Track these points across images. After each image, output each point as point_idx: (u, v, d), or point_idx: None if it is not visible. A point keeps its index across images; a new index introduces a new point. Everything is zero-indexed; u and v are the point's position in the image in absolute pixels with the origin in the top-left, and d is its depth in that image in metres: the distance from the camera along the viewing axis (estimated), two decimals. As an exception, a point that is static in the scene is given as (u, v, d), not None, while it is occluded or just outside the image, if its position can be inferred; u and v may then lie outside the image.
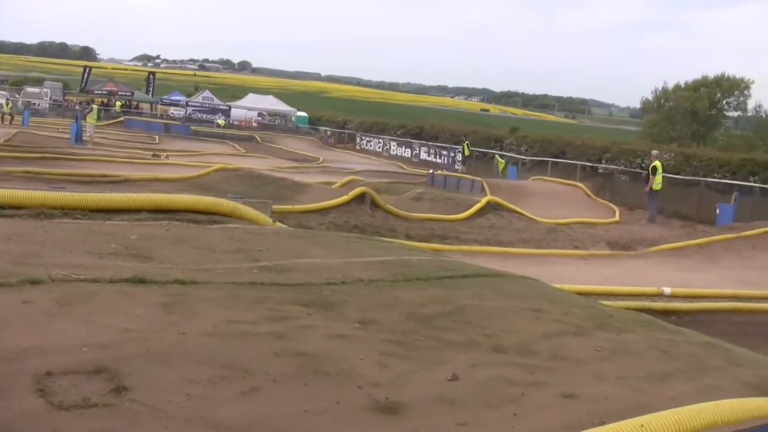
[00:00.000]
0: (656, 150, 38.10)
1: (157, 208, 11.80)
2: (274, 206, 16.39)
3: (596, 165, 44.06)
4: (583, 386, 5.82)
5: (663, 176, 32.81)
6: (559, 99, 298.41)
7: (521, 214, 27.77)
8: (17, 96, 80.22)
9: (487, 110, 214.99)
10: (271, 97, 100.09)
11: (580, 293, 12.50)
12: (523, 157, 50.90)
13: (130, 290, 6.85)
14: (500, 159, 49.78)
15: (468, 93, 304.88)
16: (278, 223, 13.61)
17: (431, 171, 43.55)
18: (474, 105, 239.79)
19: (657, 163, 32.98)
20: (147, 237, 9.68)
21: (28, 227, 9.62)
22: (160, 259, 8.43)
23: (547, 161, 47.43)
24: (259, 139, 68.51)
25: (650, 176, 32.64)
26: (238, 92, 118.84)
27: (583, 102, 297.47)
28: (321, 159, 53.77)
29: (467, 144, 55.00)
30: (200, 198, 12.67)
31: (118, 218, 11.11)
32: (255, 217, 12.63)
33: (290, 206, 20.76)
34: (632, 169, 40.91)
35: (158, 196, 12.45)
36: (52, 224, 10.13)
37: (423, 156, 62.24)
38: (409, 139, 67.84)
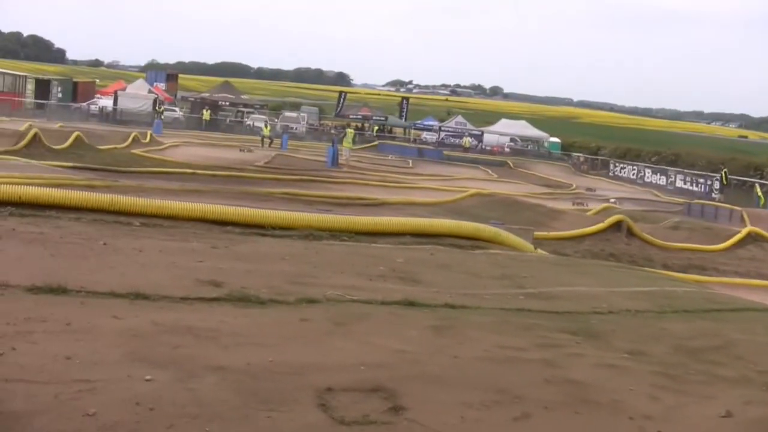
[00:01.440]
0: None
1: (421, 232, 12.01)
2: (532, 232, 16.39)
3: None
4: None
5: None
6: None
7: (785, 246, 26.63)
8: (276, 120, 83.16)
9: (746, 137, 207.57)
10: (523, 122, 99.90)
11: None
12: (786, 187, 48.87)
13: (401, 312, 7.03)
14: (759, 189, 47.91)
15: (725, 119, 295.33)
16: (539, 250, 13.62)
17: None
18: (731, 131, 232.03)
19: None
20: (413, 261, 9.89)
21: (299, 248, 10.02)
22: (427, 282, 8.60)
23: (813, 191, 45.35)
24: (511, 164, 68.48)
25: None
26: (490, 117, 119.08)
27: None
28: (574, 185, 53.24)
29: (725, 172, 53.30)
30: (462, 223, 12.84)
31: (383, 241, 11.38)
32: (517, 243, 12.68)
33: (546, 233, 20.70)
34: None
35: (422, 220, 12.72)
36: (322, 245, 10.51)
37: (678, 184, 60.63)
38: (664, 167, 66.28)
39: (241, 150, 50.24)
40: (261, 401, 4.80)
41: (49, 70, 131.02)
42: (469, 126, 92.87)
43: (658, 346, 7.03)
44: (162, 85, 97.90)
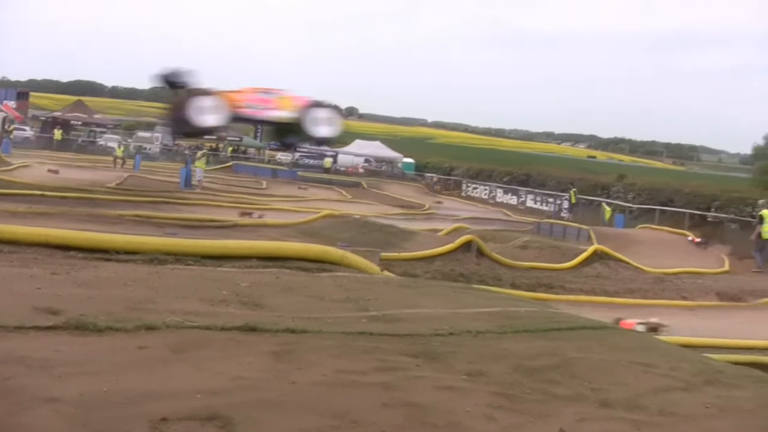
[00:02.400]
0: (763, 199, 37.45)
1: (268, 255, 11.99)
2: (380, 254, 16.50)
3: (705, 213, 43.31)
4: (693, 443, 5.76)
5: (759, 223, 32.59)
6: (667, 145, 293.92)
7: (628, 263, 27.44)
8: (129, 140, 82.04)
9: (594, 157, 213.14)
10: (378, 143, 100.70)
11: (689, 346, 12.34)
12: (631, 205, 50.31)
13: (241, 338, 7.00)
14: (607, 207, 49.30)
15: (575, 139, 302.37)
16: (386, 272, 13.71)
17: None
18: (581, 151, 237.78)
19: (765, 212, 32.61)
20: (258, 284, 9.85)
21: (142, 273, 9.88)
22: (270, 306, 8.57)
23: (655, 209, 46.77)
24: (365, 185, 68.82)
25: (758, 225, 32.30)
26: (344, 138, 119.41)
27: (693, 148, 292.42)
28: (427, 206, 53.79)
29: (574, 191, 54.69)
30: (310, 246, 12.86)
31: (229, 265, 11.32)
32: (364, 265, 12.75)
33: (396, 254, 20.86)
34: (742, 218, 40.05)
35: (269, 243, 12.70)
36: (166, 270, 10.38)
37: (529, 203, 61.96)
38: (515, 186, 67.61)
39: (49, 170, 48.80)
40: (93, 432, 4.72)
41: None
42: (324, 146, 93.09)
43: (498, 366, 7.15)
44: (12, 103, 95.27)
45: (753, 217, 37.68)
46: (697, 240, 35.85)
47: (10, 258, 10.20)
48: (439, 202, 51.75)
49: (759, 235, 32.07)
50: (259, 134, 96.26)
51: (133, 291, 8.53)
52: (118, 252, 11.16)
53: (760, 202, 35.80)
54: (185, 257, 11.49)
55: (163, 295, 8.49)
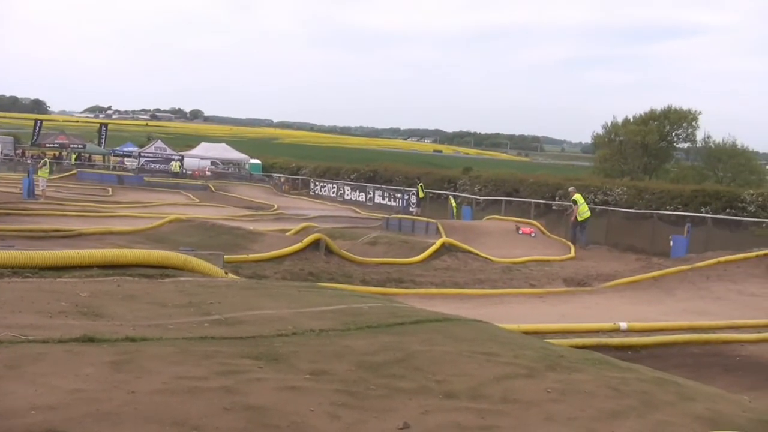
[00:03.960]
0: (572, 186, 39.16)
1: (109, 264, 11.75)
2: (228, 256, 16.38)
3: (550, 202, 44.33)
4: (534, 428, 5.85)
5: (588, 206, 34.59)
6: (511, 137, 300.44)
7: (476, 254, 27.89)
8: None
9: (440, 151, 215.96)
10: (223, 145, 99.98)
11: (535, 333, 12.58)
12: (477, 196, 51.09)
13: (79, 350, 6.81)
14: (453, 200, 49.98)
15: (421, 134, 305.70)
16: (230, 275, 13.58)
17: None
18: (427, 146, 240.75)
19: (577, 196, 34.64)
20: (98, 294, 9.64)
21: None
22: (110, 316, 8.39)
23: (501, 200, 47.66)
24: (213, 187, 68.29)
25: (573, 208, 34.22)
26: (190, 141, 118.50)
27: (536, 139, 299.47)
28: (276, 206, 53.61)
29: (421, 186, 55.26)
30: (151, 252, 12.64)
31: (68, 275, 11.05)
32: (207, 269, 12.60)
33: (244, 256, 20.73)
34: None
35: (109, 251, 12.42)
36: (1, 284, 10.06)
37: (377, 200, 62.33)
38: (363, 183, 67.90)
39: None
40: None
41: None
42: (169, 150, 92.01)
43: (341, 364, 7.14)
44: None
45: (595, 203, 39.07)
46: (526, 230, 36.60)
47: None
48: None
49: (576, 218, 34.04)
50: (103, 140, 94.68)
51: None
52: (-52, 269, 10.78)
53: (570, 188, 37.54)
54: (22, 270, 11.16)
55: (3, 308, 8.22)
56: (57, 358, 6.53)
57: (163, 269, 11.98)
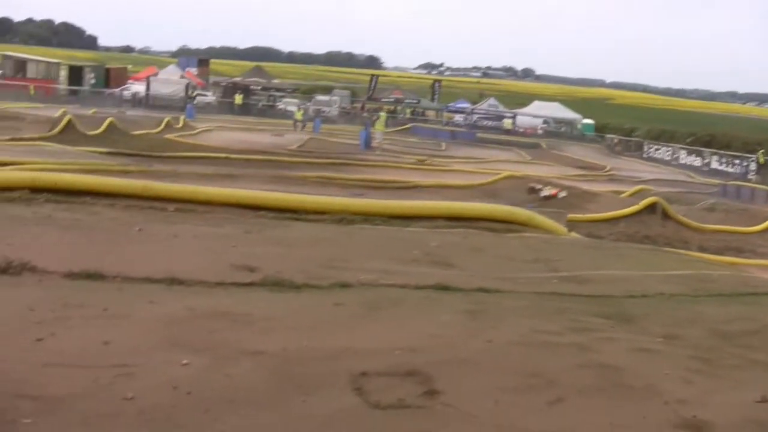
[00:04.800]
0: None
1: (454, 216, 11.99)
2: (565, 215, 16.30)
3: None
4: None
5: None
6: None
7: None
8: (308, 104, 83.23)
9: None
10: (556, 104, 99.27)
11: None
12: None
13: (435, 297, 7.04)
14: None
15: (760, 99, 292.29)
16: (573, 233, 13.55)
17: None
18: (767, 111, 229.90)
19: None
20: (446, 245, 9.89)
21: (332, 232, 10.06)
22: (461, 266, 8.60)
23: None
24: (544, 146, 68.09)
25: None
26: (522, 99, 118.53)
27: None
28: (608, 167, 52.82)
29: (762, 152, 52.86)
30: (497, 207, 12.83)
31: (416, 225, 11.38)
32: (551, 226, 12.63)
33: (581, 215, 20.62)
34: None
35: (455, 204, 12.72)
36: (355, 230, 10.53)
37: (714, 165, 60.05)
38: (699, 148, 65.69)
39: (273, 134, 50.22)
40: (296, 386, 4.85)
41: (81, 56, 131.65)
42: (501, 108, 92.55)
43: (693, 330, 7.00)
44: (194, 70, 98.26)
45: None
46: None
47: (205, 218, 10.50)
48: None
49: None
50: (435, 97, 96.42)
51: (325, 250, 8.69)
52: (307, 212, 11.36)
53: None
54: (373, 217, 11.61)
55: (355, 254, 8.62)
56: (414, 304, 6.79)
57: (507, 224, 12.12)
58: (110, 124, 37.31)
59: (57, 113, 39.84)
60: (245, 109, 79.22)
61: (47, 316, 5.75)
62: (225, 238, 9.04)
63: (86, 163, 22.95)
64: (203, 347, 5.32)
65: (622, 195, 29.28)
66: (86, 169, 19.69)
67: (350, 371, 5.08)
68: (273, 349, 5.36)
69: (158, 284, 6.69)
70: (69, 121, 34.74)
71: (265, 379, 4.91)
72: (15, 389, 4.55)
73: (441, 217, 11.93)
